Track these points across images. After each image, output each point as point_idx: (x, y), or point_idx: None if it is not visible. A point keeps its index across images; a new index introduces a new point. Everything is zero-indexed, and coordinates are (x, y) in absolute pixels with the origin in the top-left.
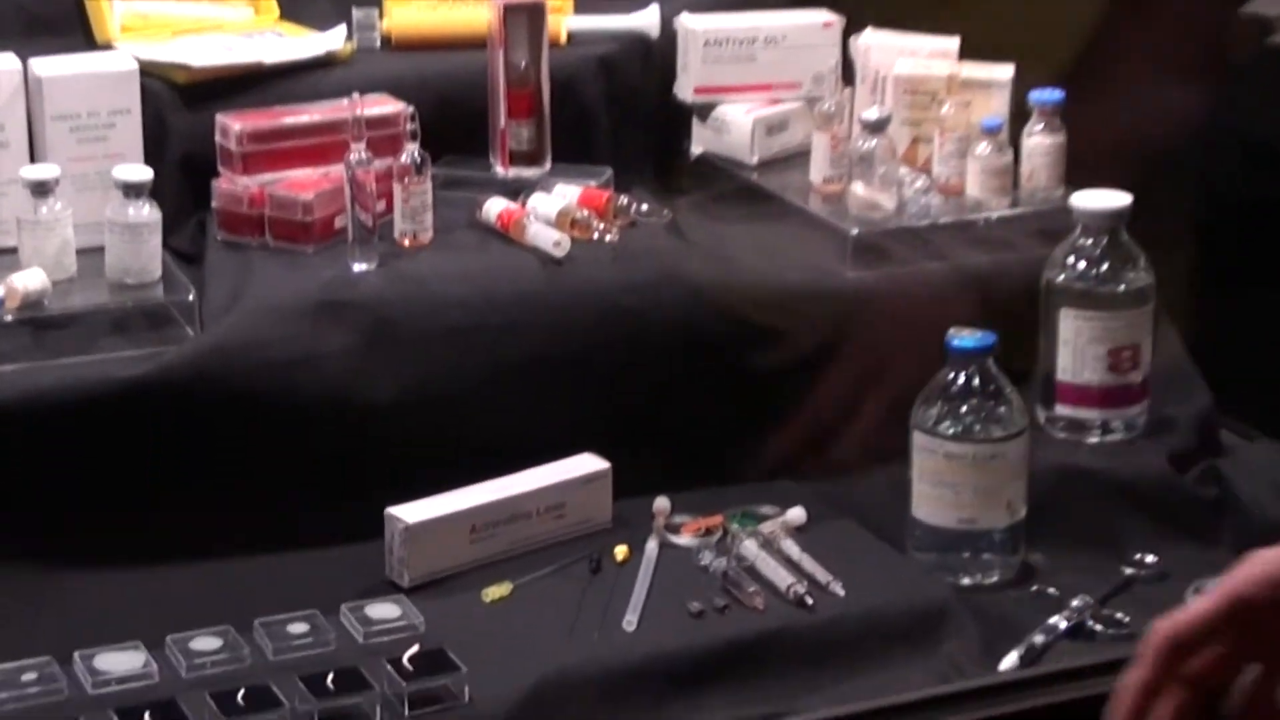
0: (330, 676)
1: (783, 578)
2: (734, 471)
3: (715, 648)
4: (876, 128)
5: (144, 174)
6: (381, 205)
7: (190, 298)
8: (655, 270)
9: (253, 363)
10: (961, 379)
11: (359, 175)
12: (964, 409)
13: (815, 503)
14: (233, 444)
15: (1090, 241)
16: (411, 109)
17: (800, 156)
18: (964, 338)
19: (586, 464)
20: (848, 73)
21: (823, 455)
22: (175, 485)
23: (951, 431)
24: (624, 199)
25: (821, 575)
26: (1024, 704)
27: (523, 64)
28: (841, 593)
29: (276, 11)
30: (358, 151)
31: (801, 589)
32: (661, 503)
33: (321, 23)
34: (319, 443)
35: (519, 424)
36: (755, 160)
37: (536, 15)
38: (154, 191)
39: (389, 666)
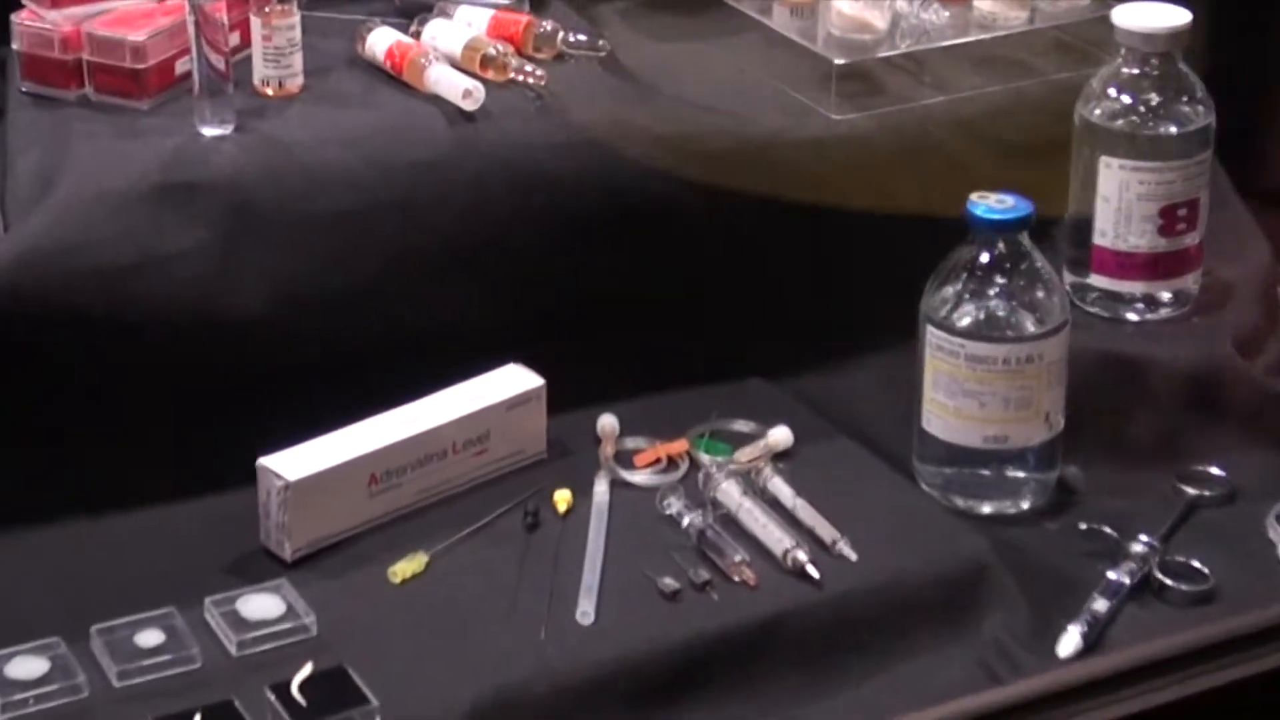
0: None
1: (776, 538)
2: (692, 372)
3: (698, 642)
4: None
5: None
6: (236, 40)
7: None
8: (591, 122)
9: (74, 271)
10: (986, 258)
11: (206, 6)
12: (991, 296)
13: (798, 411)
14: (53, 378)
15: (1137, 71)
16: None
17: None
18: (991, 206)
19: (513, 379)
20: None
21: (802, 346)
22: None
23: (974, 326)
24: (548, 25)
25: (825, 531)
26: (1101, 713)
27: None
28: (853, 556)
29: None
30: None
31: (802, 555)
32: (608, 423)
33: None
34: (167, 372)
35: (424, 333)
36: None
37: None
38: None
39: (272, 697)
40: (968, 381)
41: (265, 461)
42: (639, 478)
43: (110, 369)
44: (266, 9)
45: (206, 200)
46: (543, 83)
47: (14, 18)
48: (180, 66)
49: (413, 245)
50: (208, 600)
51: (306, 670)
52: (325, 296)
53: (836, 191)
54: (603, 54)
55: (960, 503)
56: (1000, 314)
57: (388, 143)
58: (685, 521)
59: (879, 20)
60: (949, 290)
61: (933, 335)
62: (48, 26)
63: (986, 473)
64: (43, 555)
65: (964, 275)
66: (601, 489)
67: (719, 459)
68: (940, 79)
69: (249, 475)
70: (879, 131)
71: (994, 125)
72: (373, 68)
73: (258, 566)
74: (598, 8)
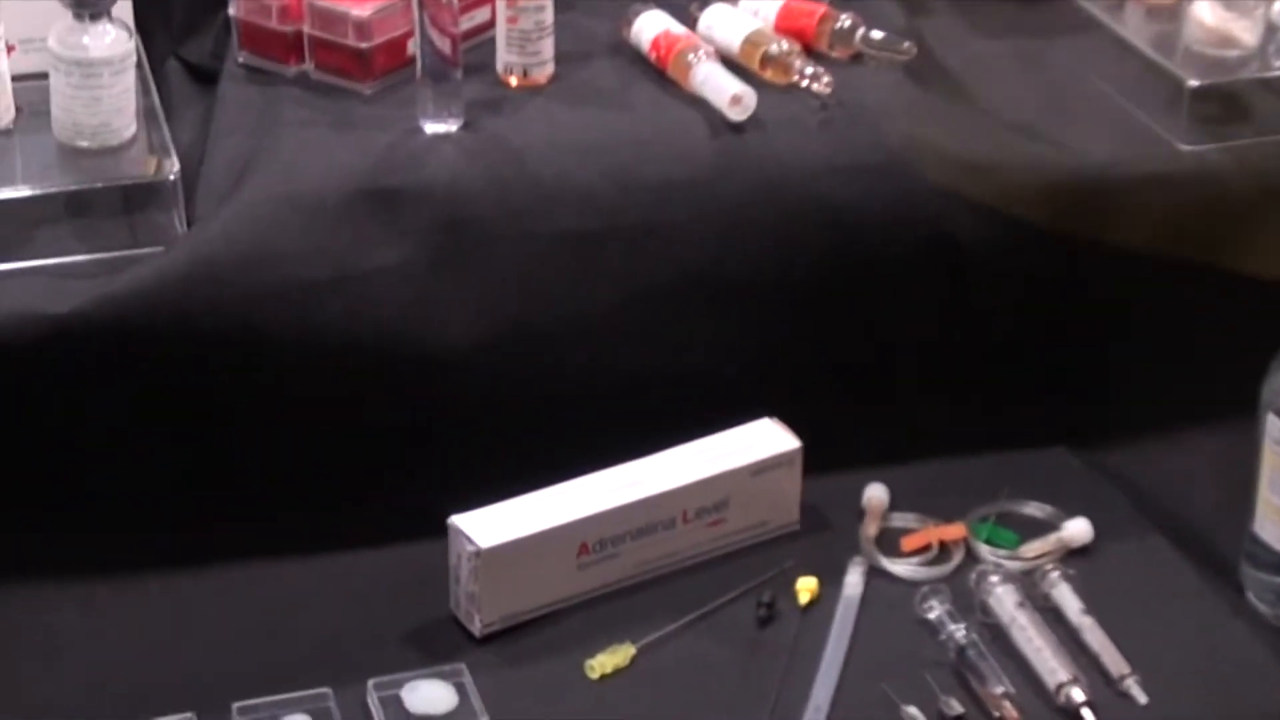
0: None
1: (1050, 668)
2: (985, 435)
3: None
4: None
5: None
6: (485, 17)
7: (173, 175)
8: (882, 143)
9: (256, 284)
10: None
11: None
12: None
13: (1106, 494)
14: (222, 406)
15: None
16: None
17: None
18: None
19: (764, 438)
20: None
21: (1122, 415)
22: (130, 460)
23: None
24: (847, 20)
25: (1113, 662)
26: None
27: None
28: (1143, 699)
29: None
30: None
31: (1079, 693)
32: (875, 495)
33: None
34: (354, 404)
35: (659, 379)
36: None
37: None
38: None
39: None
40: None
41: (458, 521)
42: (902, 568)
43: (289, 399)
44: None
45: (416, 211)
46: (829, 90)
47: None
48: (412, 47)
49: (654, 277)
50: (370, 683)
51: None
52: (544, 330)
53: (1178, 239)
54: (907, 57)
55: None
56: None
57: (636, 155)
58: (945, 633)
59: (1248, 34)
60: None
61: (1273, 426)
62: None
63: None
64: (197, 606)
65: None
66: (854, 580)
67: (1000, 551)
68: None
69: (437, 527)
70: (1236, 168)
71: None
72: (638, 57)
73: (442, 639)
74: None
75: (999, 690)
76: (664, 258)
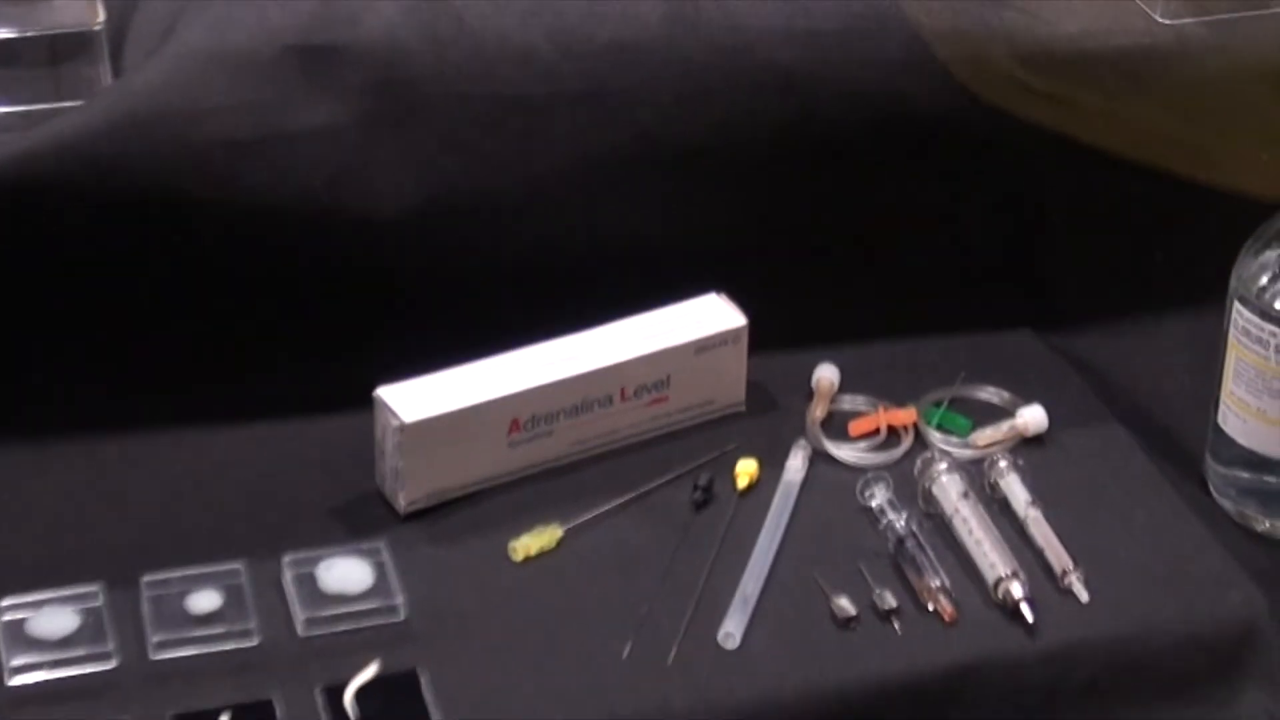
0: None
1: (989, 561)
2: (946, 315)
3: (863, 689)
4: None
5: None
6: None
7: (98, 25)
8: (845, 7)
9: (176, 142)
10: None
11: None
12: None
13: (1068, 381)
14: (137, 269)
15: None
16: None
17: None
18: None
19: (709, 314)
20: None
21: (1091, 298)
22: (43, 321)
23: None
24: None
25: (1056, 557)
26: None
27: None
28: (1084, 596)
29: None
30: None
31: (1018, 588)
32: (825, 375)
33: None
34: (279, 272)
35: (601, 251)
36: None
37: None
38: None
39: (321, 703)
40: (1277, 379)
41: (383, 394)
42: (846, 453)
43: (211, 262)
44: None
45: (349, 70)
46: None
47: None
48: None
49: (597, 144)
50: (285, 558)
51: (370, 672)
52: (480, 198)
53: (1151, 121)
54: None
55: (1259, 524)
56: None
57: (583, 15)
58: (885, 522)
59: None
60: (1268, 260)
61: (1239, 316)
62: None
63: None
64: (111, 474)
65: None
66: (796, 464)
67: (951, 438)
68: None
69: (370, 399)
70: (1217, 44)
71: None
72: None
73: (365, 515)
74: None
75: (935, 584)
76: (609, 124)
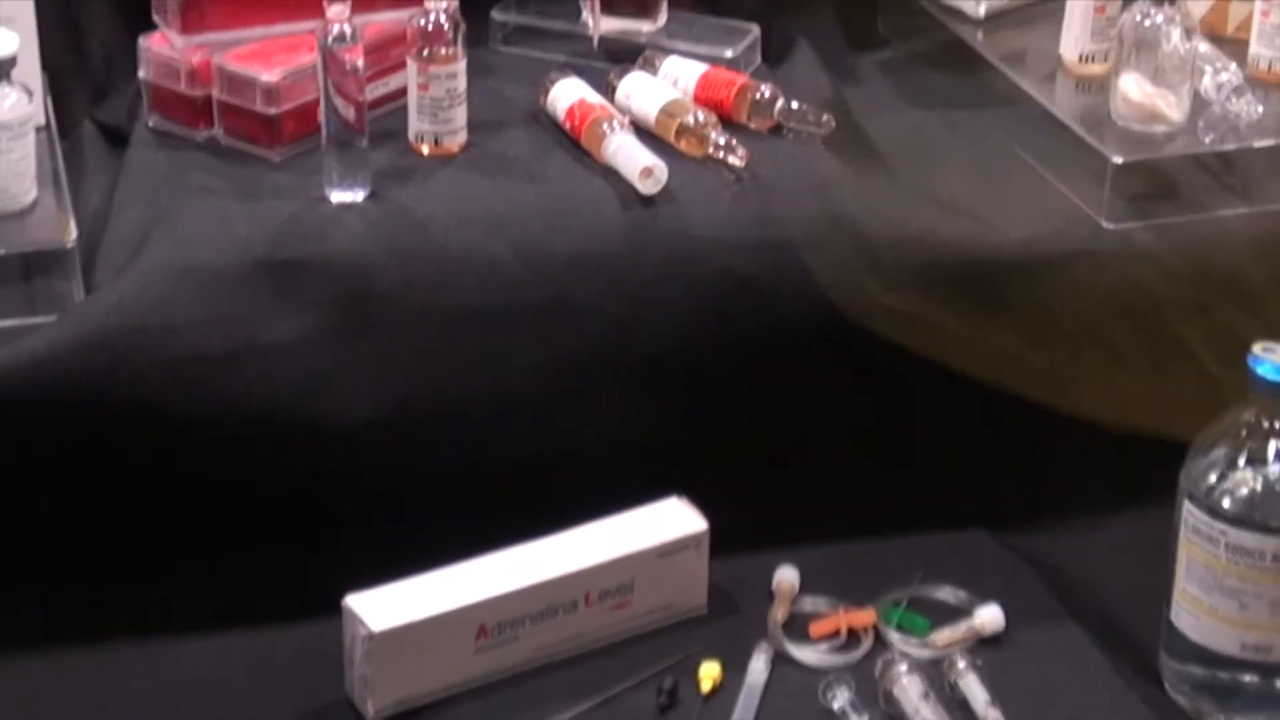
0: None
1: None
2: (902, 516)
3: None
4: None
5: (6, 44)
6: (399, 83)
7: (70, 243)
8: (795, 217)
9: (149, 358)
10: (1266, 425)
11: (337, 50)
12: (1267, 475)
13: (1022, 580)
14: (111, 481)
15: None
16: None
17: (1044, 14)
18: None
19: (670, 518)
20: None
21: (1041, 497)
22: (16, 533)
23: (1241, 510)
24: (765, 90)
25: None
26: None
27: None
28: None
29: None
30: (337, 8)
31: None
32: (785, 578)
33: None
34: (251, 483)
35: (564, 458)
36: (982, 11)
37: None
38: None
39: None
40: (1228, 576)
41: (351, 602)
42: (809, 654)
43: (182, 474)
44: (424, 53)
45: (316, 283)
46: (744, 163)
47: (142, 41)
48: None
49: (559, 353)
50: None
51: None
52: (446, 408)
53: (1098, 319)
54: (825, 130)
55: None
56: (1275, 499)
57: (544, 227)
58: None
59: (1174, 110)
60: (1216, 458)
61: (1190, 514)
62: (175, 55)
63: (1249, 679)
64: (87, 685)
65: (1234, 445)
66: (759, 667)
67: (911, 638)
68: (1249, 186)
69: (337, 608)
70: (1160, 247)
71: None
72: (555, 126)
73: None
74: (858, 59)
75: None
76: (571, 333)
